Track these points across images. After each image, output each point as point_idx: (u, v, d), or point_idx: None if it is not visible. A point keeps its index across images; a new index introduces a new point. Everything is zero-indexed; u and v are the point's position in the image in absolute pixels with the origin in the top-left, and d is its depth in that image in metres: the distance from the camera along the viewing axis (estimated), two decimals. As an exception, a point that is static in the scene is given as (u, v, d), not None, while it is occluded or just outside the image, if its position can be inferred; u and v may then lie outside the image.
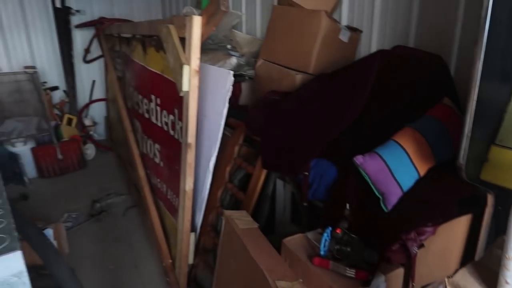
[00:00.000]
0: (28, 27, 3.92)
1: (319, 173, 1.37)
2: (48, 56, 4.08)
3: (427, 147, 1.14)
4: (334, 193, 1.29)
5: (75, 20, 4.12)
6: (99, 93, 4.48)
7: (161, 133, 2.19)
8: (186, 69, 1.57)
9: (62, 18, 4.01)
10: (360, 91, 1.32)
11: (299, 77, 1.91)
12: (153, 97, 2.24)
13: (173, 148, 2.06)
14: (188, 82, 1.59)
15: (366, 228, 1.17)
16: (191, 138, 1.66)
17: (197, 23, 1.52)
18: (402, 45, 1.75)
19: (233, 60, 2.52)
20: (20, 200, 3.00)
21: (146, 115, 2.42)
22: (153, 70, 2.18)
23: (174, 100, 1.95)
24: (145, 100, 2.39)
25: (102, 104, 4.52)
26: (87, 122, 4.27)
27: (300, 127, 1.43)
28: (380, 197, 1.14)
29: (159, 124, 2.21)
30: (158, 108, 2.19)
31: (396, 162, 1.11)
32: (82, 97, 4.38)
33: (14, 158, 3.20)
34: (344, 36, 1.99)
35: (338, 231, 1.15)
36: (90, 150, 4.00)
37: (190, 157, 1.68)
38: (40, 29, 3.99)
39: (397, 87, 1.35)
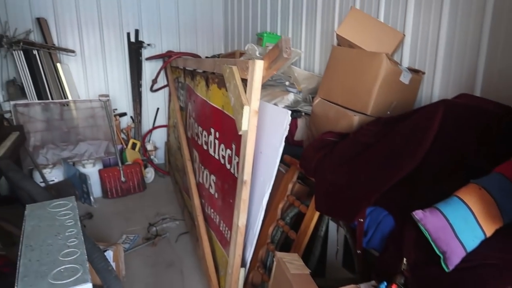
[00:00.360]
0: (105, 58, 4.34)
1: (375, 221, 1.33)
2: (120, 84, 4.47)
3: (494, 207, 1.07)
4: (391, 244, 1.24)
5: (146, 53, 4.49)
6: (161, 119, 4.78)
7: (218, 165, 2.27)
8: (246, 110, 1.64)
9: (135, 51, 4.40)
10: (421, 140, 1.29)
11: (356, 118, 1.90)
12: (212, 130, 2.35)
13: (228, 182, 2.13)
14: (247, 122, 1.65)
15: (424, 286, 1.11)
16: (247, 175, 1.70)
17: (259, 67, 1.60)
18: (467, 93, 1.68)
19: (291, 97, 2.58)
20: (85, 218, 3.24)
21: (205, 147, 2.53)
22: (214, 105, 2.30)
23: (232, 135, 2.04)
24: (205, 132, 2.51)
25: (163, 130, 4.80)
26: (149, 146, 4.54)
27: (357, 173, 1.41)
28: (441, 255, 1.08)
29: (216, 157, 2.30)
30: (217, 142, 2.28)
31: (460, 220, 1.05)
32: (146, 123, 4.70)
33: (83, 178, 3.49)
34: (405, 78, 1.96)
35: (394, 287, 1.10)
36: (150, 174, 4.23)
37: (245, 193, 1.72)
38: (115, 60, 4.39)
39: (461, 138, 1.30)
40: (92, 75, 4.32)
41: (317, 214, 1.72)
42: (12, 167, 2.05)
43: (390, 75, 1.91)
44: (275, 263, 1.40)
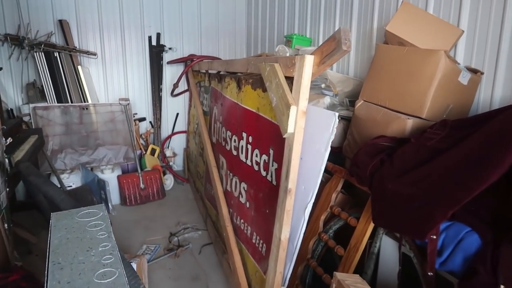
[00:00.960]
0: (126, 62, 4.24)
1: (453, 239, 1.14)
2: (140, 89, 4.35)
3: None
4: (480, 267, 1.05)
5: (167, 57, 4.37)
6: (180, 125, 4.64)
7: (250, 172, 2.10)
8: (293, 110, 1.47)
9: (156, 55, 4.29)
10: (509, 144, 1.09)
11: (410, 122, 1.72)
12: (244, 134, 2.18)
13: (263, 190, 1.95)
14: (294, 123, 1.48)
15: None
16: (292, 183, 1.53)
17: (309, 63, 1.43)
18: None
19: (327, 100, 2.40)
20: (104, 226, 3.09)
21: (234, 152, 2.37)
22: (247, 107, 2.14)
23: (269, 139, 1.86)
24: (235, 137, 2.35)
25: (182, 137, 4.66)
26: (168, 153, 4.40)
27: (427, 182, 1.22)
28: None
29: (249, 163, 2.13)
30: (249, 146, 2.11)
31: None
32: (166, 129, 4.56)
33: (102, 184, 3.35)
34: (464, 79, 1.77)
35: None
36: (169, 181, 4.08)
37: (289, 203, 1.54)
38: (136, 64, 4.28)
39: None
40: (113, 79, 4.22)
41: (370, 228, 1.53)
42: (33, 170, 1.91)
43: (448, 74, 1.72)
44: (334, 285, 1.21)
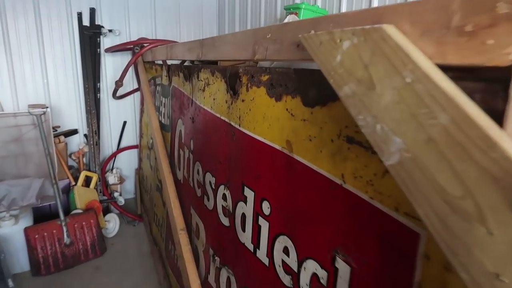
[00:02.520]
0: (44, 51, 2.89)
1: None
2: (67, 89, 3.02)
3: None
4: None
5: (106, 42, 3.07)
6: (130, 138, 3.36)
7: (267, 276, 0.93)
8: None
9: (90, 40, 2.97)
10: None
11: None
12: (251, 195, 1.01)
13: None
14: None
15: None
16: None
17: None
18: None
19: None
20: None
21: (225, 221, 1.19)
22: (259, 138, 0.96)
23: (334, 229, 0.71)
24: (227, 193, 1.16)
25: (133, 153, 3.38)
26: (111, 179, 3.11)
27: None
28: None
29: (264, 259, 0.96)
30: (267, 223, 0.94)
31: None
32: (108, 144, 3.26)
33: (-5, 247, 2.03)
34: None
35: None
36: (112, 223, 2.80)
37: None
38: (60, 54, 2.94)
39: None
40: (24, 76, 2.85)
41: None
42: None
43: None
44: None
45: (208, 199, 1.32)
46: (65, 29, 2.93)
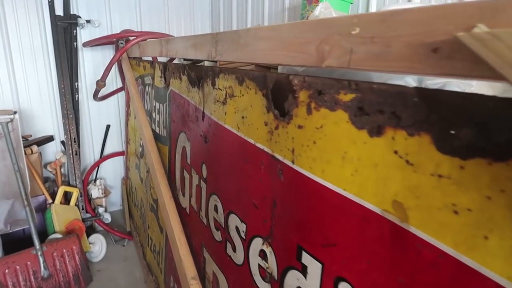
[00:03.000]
0: (10, 46, 2.45)
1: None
2: (39, 91, 2.60)
3: None
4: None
5: (84, 35, 2.65)
6: (114, 143, 2.97)
7: None
8: None
9: (65, 33, 2.55)
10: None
11: None
12: (316, 267, 0.68)
13: None
14: None
15: None
16: None
17: None
18: None
19: None
20: None
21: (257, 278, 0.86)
22: (342, 193, 0.63)
23: None
24: (270, 251, 0.84)
25: (118, 160, 3.00)
26: (95, 192, 2.72)
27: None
28: None
29: None
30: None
31: None
32: (89, 152, 2.87)
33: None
34: None
35: None
36: (98, 246, 2.43)
37: None
38: (29, 49, 2.51)
39: None
40: (-16, 74, 2.42)
41: None
42: None
43: None
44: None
45: (234, 250, 0.99)
46: (34, 19, 2.50)
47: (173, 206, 1.46)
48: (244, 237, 0.94)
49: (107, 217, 2.62)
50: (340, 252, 0.63)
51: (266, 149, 0.81)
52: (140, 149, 2.42)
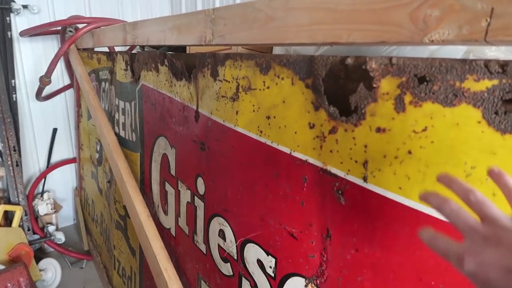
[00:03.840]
0: None
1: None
2: (-36, 89, 2.14)
3: None
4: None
5: (20, 23, 2.22)
6: (63, 149, 2.58)
7: None
8: None
9: (-7, 19, 2.12)
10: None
11: None
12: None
13: None
14: None
15: None
16: None
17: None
18: None
19: None
20: None
21: None
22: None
23: None
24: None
25: (69, 169, 2.61)
26: (42, 208, 2.33)
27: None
28: None
29: None
30: None
31: None
32: (33, 161, 2.45)
33: None
34: None
35: None
36: (50, 273, 2.05)
37: None
38: None
39: None
40: None
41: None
42: None
43: None
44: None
45: (256, 289, 0.76)
46: (-46, 4, 2.04)
47: (154, 228, 1.18)
48: (272, 274, 0.71)
49: (60, 237, 2.24)
50: None
51: (311, 161, 0.59)
52: (97, 155, 2.09)
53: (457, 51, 0.87)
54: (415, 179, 0.46)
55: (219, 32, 0.82)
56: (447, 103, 0.42)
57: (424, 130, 0.44)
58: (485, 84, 0.39)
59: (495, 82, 0.38)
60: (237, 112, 0.75)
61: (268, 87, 0.66)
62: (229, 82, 0.77)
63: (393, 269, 0.50)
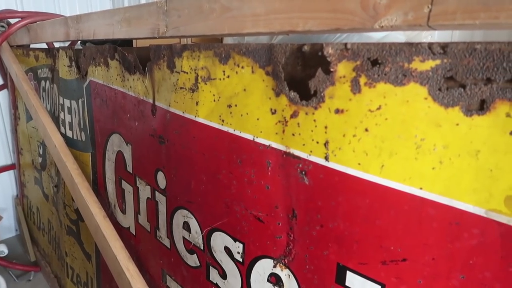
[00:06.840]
0: None
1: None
2: None
3: None
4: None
5: None
6: (-1, 156, 2.39)
7: None
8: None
9: None
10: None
11: None
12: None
13: None
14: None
15: None
16: None
17: None
18: None
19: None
20: None
21: None
22: (417, 193, 0.47)
23: None
24: (288, 275, 0.65)
25: (6, 176, 2.42)
26: (-20, 220, 2.14)
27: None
28: None
29: None
30: None
31: None
32: (-35, 170, 2.24)
33: None
34: None
35: None
36: (-6, 289, 1.90)
37: None
38: None
39: None
40: None
41: None
42: None
43: None
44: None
45: (224, 276, 0.78)
46: None
47: (111, 228, 1.15)
48: (241, 260, 0.73)
49: (2, 249, 2.07)
50: (412, 266, 0.49)
51: (274, 145, 0.62)
52: (40, 159, 1.96)
53: (398, 41, 0.94)
54: (373, 154, 0.50)
55: (173, 24, 0.82)
56: (398, 82, 0.46)
57: (379, 108, 0.48)
58: (430, 64, 0.43)
59: (438, 62, 0.43)
60: (197, 103, 0.75)
61: (228, 76, 0.68)
62: (187, 73, 0.77)
63: (355, 240, 0.54)
